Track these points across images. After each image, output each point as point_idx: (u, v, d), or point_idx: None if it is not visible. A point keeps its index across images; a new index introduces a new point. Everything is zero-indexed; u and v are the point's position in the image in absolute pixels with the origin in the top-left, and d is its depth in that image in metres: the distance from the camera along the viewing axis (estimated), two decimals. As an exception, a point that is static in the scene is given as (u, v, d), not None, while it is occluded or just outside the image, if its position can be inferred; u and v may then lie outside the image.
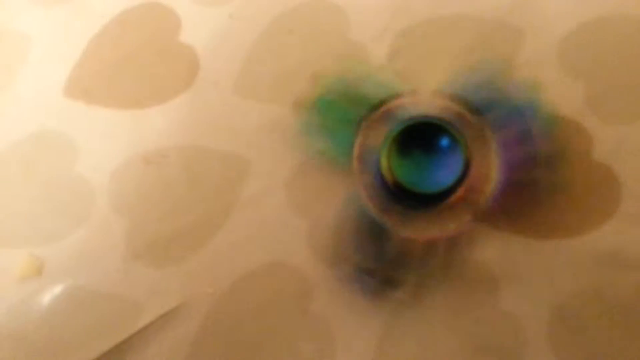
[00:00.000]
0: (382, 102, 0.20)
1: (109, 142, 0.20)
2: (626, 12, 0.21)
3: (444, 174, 0.19)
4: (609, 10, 0.21)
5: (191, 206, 0.20)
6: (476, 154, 0.20)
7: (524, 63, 0.21)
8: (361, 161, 0.20)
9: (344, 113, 0.20)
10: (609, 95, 0.20)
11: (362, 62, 0.21)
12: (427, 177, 0.20)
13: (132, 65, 0.21)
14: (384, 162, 0.20)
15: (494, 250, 0.19)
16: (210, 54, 0.21)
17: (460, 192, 0.20)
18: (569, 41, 0.21)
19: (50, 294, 0.20)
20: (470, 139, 0.20)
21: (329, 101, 0.20)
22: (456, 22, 0.21)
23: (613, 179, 0.20)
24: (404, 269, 0.20)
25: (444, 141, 0.20)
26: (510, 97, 0.20)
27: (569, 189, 0.20)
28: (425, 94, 0.20)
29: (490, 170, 0.20)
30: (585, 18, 0.21)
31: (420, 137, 0.20)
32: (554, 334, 0.19)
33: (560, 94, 0.20)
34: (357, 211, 0.20)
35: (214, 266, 0.20)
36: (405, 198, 0.20)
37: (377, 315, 0.20)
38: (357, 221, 0.20)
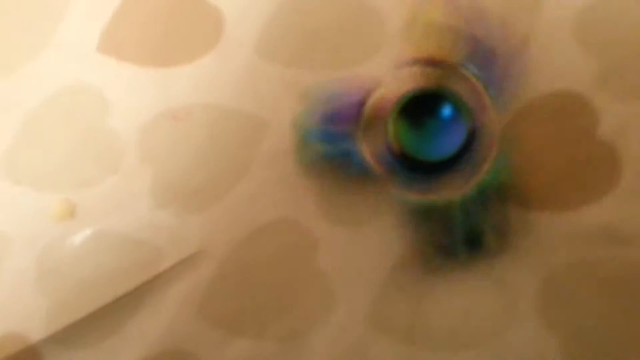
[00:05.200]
0: (395, 69, 0.21)
1: (139, 97, 0.22)
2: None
3: (447, 144, 0.20)
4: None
5: (212, 162, 0.21)
6: (482, 127, 0.21)
7: (539, 34, 0.21)
8: (369, 127, 0.21)
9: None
10: (619, 72, 0.21)
11: (378, 29, 0.21)
12: (430, 145, 0.21)
13: (161, 25, 0.22)
14: (390, 129, 0.21)
15: (491, 218, 0.21)
16: (234, 16, 0.22)
17: (463, 162, 0.21)
18: (585, 15, 0.21)
19: (81, 236, 0.22)
20: (477, 111, 0.21)
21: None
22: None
23: (615, 156, 0.20)
24: (404, 231, 0.21)
25: (448, 112, 0.20)
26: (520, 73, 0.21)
27: (570, 165, 0.20)
28: (437, 62, 0.21)
29: (494, 143, 0.21)
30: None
31: (428, 106, 0.21)
32: (544, 304, 0.20)
33: (571, 68, 0.21)
34: (362, 173, 0.21)
35: (230, 218, 0.21)
36: (409, 164, 0.21)
37: (375, 271, 0.21)
38: (361, 182, 0.21)
